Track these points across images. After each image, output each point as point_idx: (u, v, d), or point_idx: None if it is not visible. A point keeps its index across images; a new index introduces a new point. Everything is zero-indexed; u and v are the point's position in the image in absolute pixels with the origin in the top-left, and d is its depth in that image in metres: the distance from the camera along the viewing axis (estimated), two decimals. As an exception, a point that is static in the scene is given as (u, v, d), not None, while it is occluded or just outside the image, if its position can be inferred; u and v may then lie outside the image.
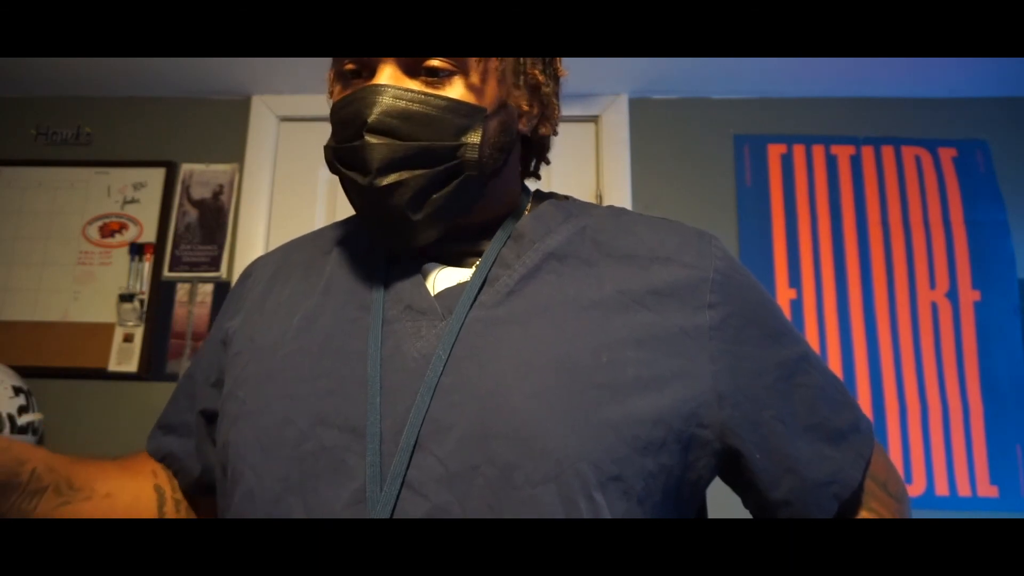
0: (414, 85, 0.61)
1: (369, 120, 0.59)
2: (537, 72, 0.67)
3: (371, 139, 0.59)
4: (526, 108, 0.68)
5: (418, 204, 0.61)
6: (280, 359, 0.63)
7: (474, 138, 0.62)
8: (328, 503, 0.55)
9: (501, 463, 0.53)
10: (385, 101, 0.59)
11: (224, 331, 0.72)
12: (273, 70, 1.95)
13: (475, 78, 0.62)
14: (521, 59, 0.66)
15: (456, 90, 0.61)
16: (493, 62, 0.63)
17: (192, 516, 0.74)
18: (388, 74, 0.61)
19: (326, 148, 0.65)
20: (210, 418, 0.71)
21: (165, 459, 0.74)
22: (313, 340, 0.63)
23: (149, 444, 0.76)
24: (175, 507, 0.72)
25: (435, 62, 0.60)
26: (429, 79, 0.61)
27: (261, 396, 0.62)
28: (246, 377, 0.64)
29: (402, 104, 0.59)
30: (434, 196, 0.62)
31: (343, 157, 0.62)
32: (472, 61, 0.61)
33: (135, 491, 0.70)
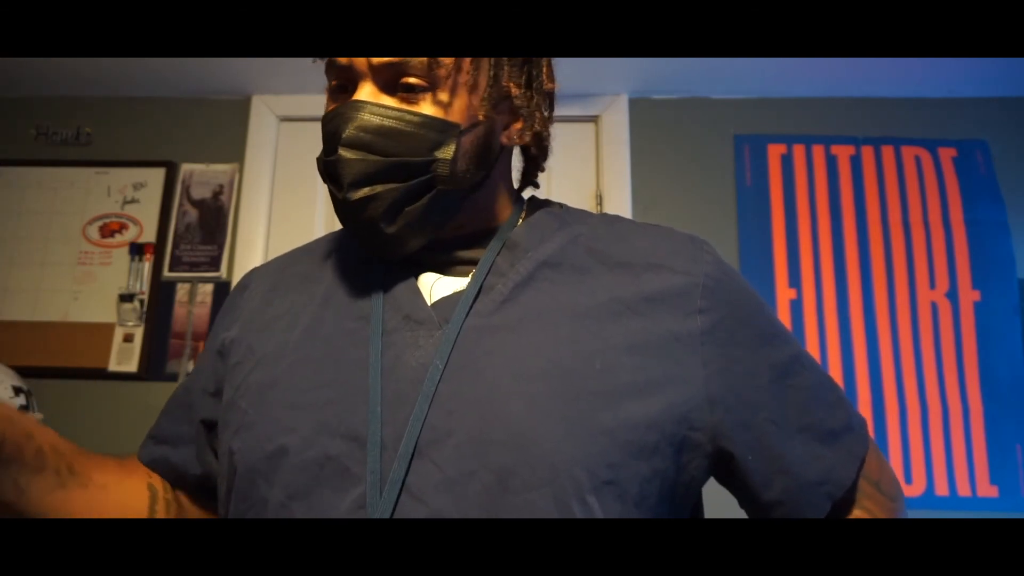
0: (390, 101, 0.62)
1: (344, 135, 0.61)
2: (512, 84, 0.67)
3: (345, 153, 0.61)
4: (505, 121, 0.68)
5: (391, 217, 0.63)
6: (282, 369, 0.64)
7: (446, 153, 0.63)
8: (331, 509, 0.56)
9: (497, 468, 0.55)
10: (361, 116, 0.61)
11: (220, 341, 0.73)
12: (273, 70, 1.95)
13: (443, 94, 0.63)
14: (495, 72, 0.66)
15: (428, 107, 0.62)
16: (463, 76, 0.63)
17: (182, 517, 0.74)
18: (367, 91, 0.62)
19: (318, 160, 0.66)
20: (211, 427, 0.72)
21: (154, 464, 0.74)
22: (314, 350, 0.64)
23: (140, 453, 0.76)
24: (166, 507, 0.72)
25: (410, 79, 0.62)
26: (405, 95, 0.62)
27: (263, 405, 0.63)
28: (248, 387, 0.65)
29: (376, 120, 0.61)
30: (407, 209, 0.63)
31: (325, 170, 0.64)
32: (441, 76, 0.62)
33: (129, 487, 0.70)
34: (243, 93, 2.08)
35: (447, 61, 0.62)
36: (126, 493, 0.69)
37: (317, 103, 2.06)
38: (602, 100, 2.04)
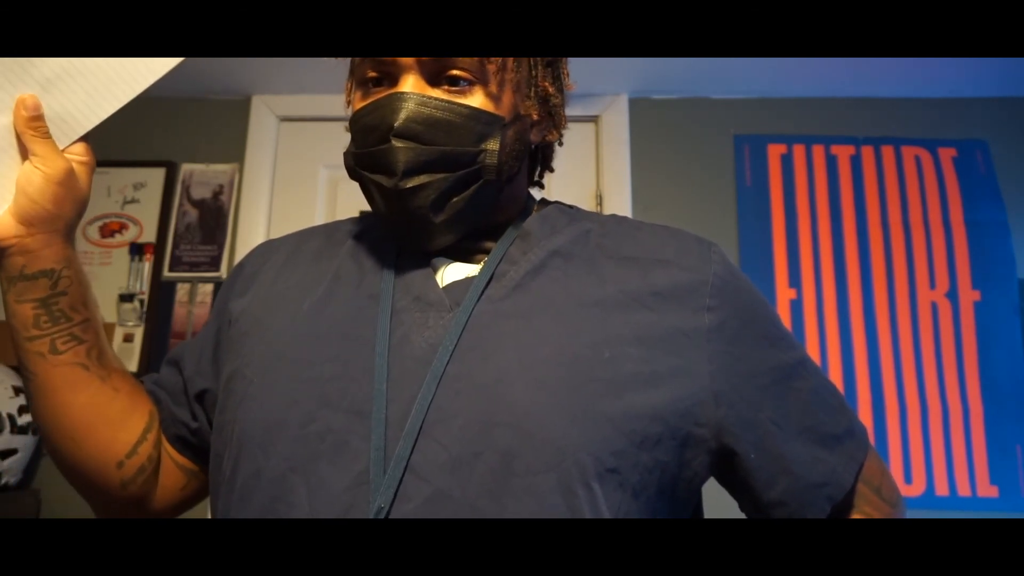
0: (436, 93, 0.63)
1: (396, 125, 0.61)
2: (548, 84, 0.70)
3: (397, 143, 0.61)
4: (537, 118, 0.70)
5: (440, 206, 0.64)
6: (288, 342, 0.65)
7: (493, 145, 0.64)
8: (330, 484, 0.56)
9: (503, 451, 0.55)
10: (411, 107, 0.62)
11: (228, 310, 0.73)
12: (273, 70, 1.95)
13: (493, 88, 0.64)
14: (533, 71, 0.68)
15: (476, 99, 0.64)
16: (509, 73, 0.65)
17: (159, 466, 0.73)
18: (411, 82, 0.63)
19: (346, 154, 0.67)
20: (198, 397, 0.73)
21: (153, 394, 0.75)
22: (322, 325, 0.65)
23: (144, 380, 0.77)
24: (155, 440, 0.72)
25: (456, 72, 0.63)
26: (451, 88, 0.64)
27: (268, 377, 0.63)
28: (254, 357, 0.66)
29: (427, 111, 0.62)
30: (455, 199, 0.64)
31: (367, 161, 0.64)
32: (491, 71, 0.64)
33: (138, 402, 0.71)
34: (243, 93, 2.08)
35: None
36: (131, 407, 0.70)
37: (317, 103, 2.07)
38: (602, 100, 2.04)
